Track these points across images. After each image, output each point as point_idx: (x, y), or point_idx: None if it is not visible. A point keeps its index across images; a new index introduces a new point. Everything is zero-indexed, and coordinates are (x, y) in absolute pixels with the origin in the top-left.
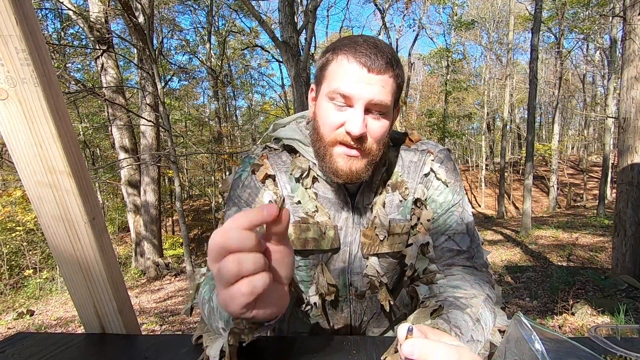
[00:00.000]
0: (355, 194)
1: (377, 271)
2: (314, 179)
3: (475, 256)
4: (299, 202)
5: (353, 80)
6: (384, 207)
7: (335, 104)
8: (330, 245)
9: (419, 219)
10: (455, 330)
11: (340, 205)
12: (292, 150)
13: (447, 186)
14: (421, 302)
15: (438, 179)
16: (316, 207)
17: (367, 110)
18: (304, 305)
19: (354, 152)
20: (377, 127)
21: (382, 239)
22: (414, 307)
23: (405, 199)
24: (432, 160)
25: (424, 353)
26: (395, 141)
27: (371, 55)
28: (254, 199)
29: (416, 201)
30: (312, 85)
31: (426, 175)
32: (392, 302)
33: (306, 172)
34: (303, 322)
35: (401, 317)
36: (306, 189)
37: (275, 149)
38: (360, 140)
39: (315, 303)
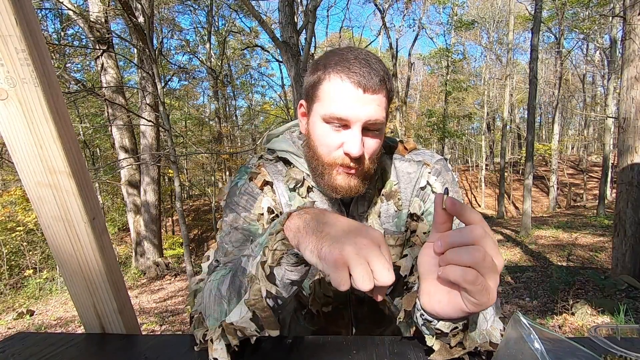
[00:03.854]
0: (349, 203)
1: None
2: (309, 189)
3: None
4: None
5: (349, 102)
6: (379, 217)
7: (332, 126)
8: None
9: (414, 231)
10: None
11: None
12: (286, 162)
13: None
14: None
15: (434, 192)
16: None
17: (364, 129)
18: (304, 311)
19: (352, 170)
20: (373, 144)
21: None
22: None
23: (400, 210)
24: (429, 173)
25: (460, 208)
26: (388, 149)
27: (365, 75)
28: (252, 205)
29: (412, 215)
30: (302, 101)
31: (422, 188)
32: (390, 306)
33: (301, 183)
34: (304, 328)
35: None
36: (302, 198)
37: (270, 159)
38: (358, 160)
39: (317, 311)
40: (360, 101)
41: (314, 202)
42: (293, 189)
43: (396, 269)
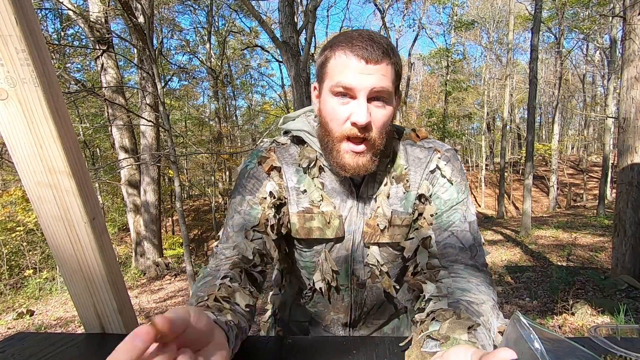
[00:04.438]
0: (360, 184)
1: (377, 260)
2: (321, 169)
3: (477, 255)
4: (305, 191)
5: (353, 73)
6: (388, 198)
7: (339, 98)
8: (335, 234)
9: (421, 214)
10: (483, 351)
11: (345, 195)
12: (300, 142)
13: (452, 184)
14: (428, 300)
15: (443, 176)
16: (321, 196)
17: (370, 99)
18: (305, 292)
19: (361, 147)
20: (380, 115)
21: (382, 228)
22: (416, 301)
23: (408, 192)
24: (439, 158)
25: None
26: (401, 135)
27: (367, 47)
28: (257, 189)
29: (420, 197)
30: (315, 84)
31: (432, 172)
32: (398, 287)
33: (313, 162)
34: (304, 311)
35: (401, 311)
36: (313, 178)
37: (282, 144)
38: (365, 129)
39: (320, 288)
40: (364, 71)
41: (324, 183)
42: (306, 169)
43: (400, 249)
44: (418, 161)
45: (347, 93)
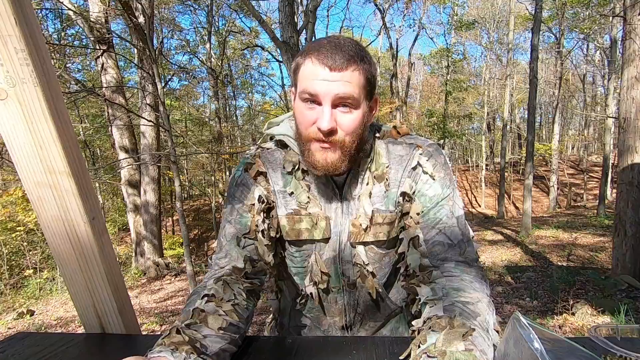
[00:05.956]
0: (342, 185)
1: (363, 261)
2: (304, 172)
3: (467, 250)
4: (292, 193)
5: (318, 80)
6: (370, 197)
7: (307, 104)
8: (322, 235)
9: (407, 213)
10: (483, 356)
11: (329, 196)
12: (284, 146)
13: (434, 180)
14: (423, 304)
15: (425, 172)
16: (309, 197)
17: (336, 105)
18: (299, 298)
19: (327, 144)
20: (347, 120)
21: (364, 227)
22: (412, 304)
23: (388, 190)
24: (421, 155)
25: None
26: (383, 134)
27: (332, 55)
28: (245, 196)
29: (404, 195)
30: (292, 89)
31: (414, 168)
32: (379, 290)
33: (297, 165)
34: (302, 315)
35: (396, 311)
36: (299, 180)
37: (267, 149)
38: (330, 134)
39: (311, 293)
40: (327, 78)
41: (309, 185)
42: (290, 172)
43: (386, 247)
44: (400, 159)
45: (313, 99)
